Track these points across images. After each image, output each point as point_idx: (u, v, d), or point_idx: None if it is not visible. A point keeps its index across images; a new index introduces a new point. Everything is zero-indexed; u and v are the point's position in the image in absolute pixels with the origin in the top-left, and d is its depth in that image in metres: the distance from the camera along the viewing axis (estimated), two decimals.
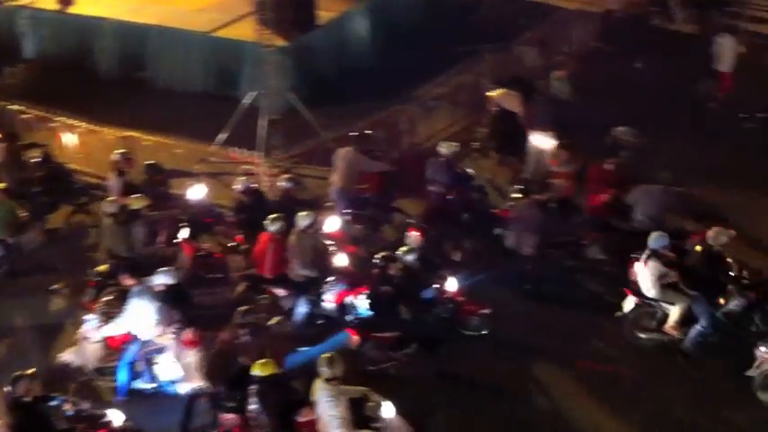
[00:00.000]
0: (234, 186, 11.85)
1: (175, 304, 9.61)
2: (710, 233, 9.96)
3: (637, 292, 10.08)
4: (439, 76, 15.16)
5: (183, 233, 11.23)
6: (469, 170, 12.75)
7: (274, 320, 9.75)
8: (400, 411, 8.48)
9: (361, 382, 8.69)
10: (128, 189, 11.60)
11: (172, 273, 9.74)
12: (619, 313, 10.30)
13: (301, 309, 10.31)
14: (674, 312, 9.90)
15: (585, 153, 12.35)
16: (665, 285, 9.87)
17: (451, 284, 10.15)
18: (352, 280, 10.43)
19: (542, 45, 15.44)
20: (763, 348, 9.24)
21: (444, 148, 12.27)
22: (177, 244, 11.20)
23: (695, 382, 9.69)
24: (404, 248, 10.03)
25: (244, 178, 11.91)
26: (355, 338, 9.71)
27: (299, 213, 10.43)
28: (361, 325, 9.94)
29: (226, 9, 17.55)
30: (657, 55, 16.76)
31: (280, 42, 15.38)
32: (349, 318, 10.21)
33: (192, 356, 9.38)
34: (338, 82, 16.77)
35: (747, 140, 14.24)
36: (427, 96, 14.91)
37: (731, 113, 14.72)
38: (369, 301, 9.99)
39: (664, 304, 9.97)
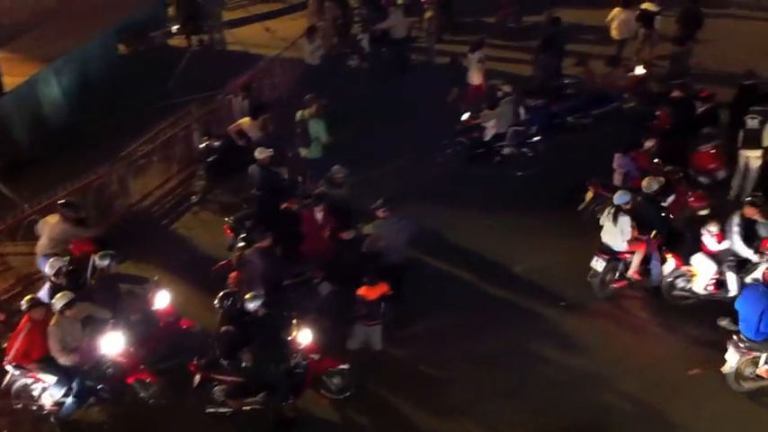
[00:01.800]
0: (46, 270, 10.53)
1: None
2: (644, 183, 11.64)
3: (607, 251, 11.37)
4: (147, 131, 14.63)
5: None
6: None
7: None
8: None
9: None
10: None
11: None
12: (590, 274, 11.50)
13: (74, 397, 9.51)
14: (636, 258, 11.36)
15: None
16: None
17: (304, 336, 9.68)
18: (128, 362, 9.74)
19: (248, 91, 15.52)
20: (735, 338, 9.83)
21: (258, 153, 12.62)
22: None
23: None
24: (249, 295, 9.63)
25: (53, 259, 10.57)
26: (197, 378, 9.56)
27: (58, 294, 9.57)
28: (205, 365, 9.56)
29: None
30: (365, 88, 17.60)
31: None
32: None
33: None
34: (37, 148, 15.69)
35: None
36: (136, 154, 14.31)
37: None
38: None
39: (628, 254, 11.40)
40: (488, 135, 14.96)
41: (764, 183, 13.03)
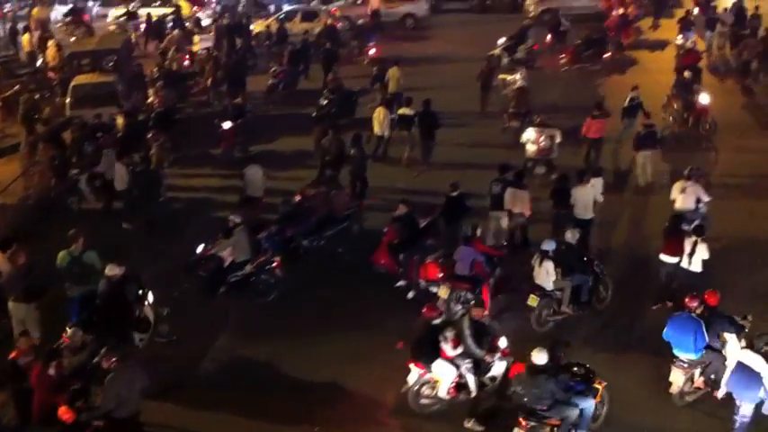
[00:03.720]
0: None
1: None
2: (568, 234, 13.88)
3: (539, 289, 13.37)
4: None
5: None
6: None
7: None
8: None
9: None
10: None
11: None
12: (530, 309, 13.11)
13: None
14: (566, 295, 13.46)
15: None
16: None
17: None
18: None
19: None
20: (678, 362, 11.57)
21: (108, 270, 12.62)
22: None
23: None
24: None
25: None
26: None
27: None
28: None
29: None
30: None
31: None
32: None
33: None
34: None
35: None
36: None
37: None
38: None
39: (557, 292, 13.41)
40: (226, 264, 14.78)
41: (512, 238, 15.87)
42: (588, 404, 10.72)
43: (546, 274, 13.30)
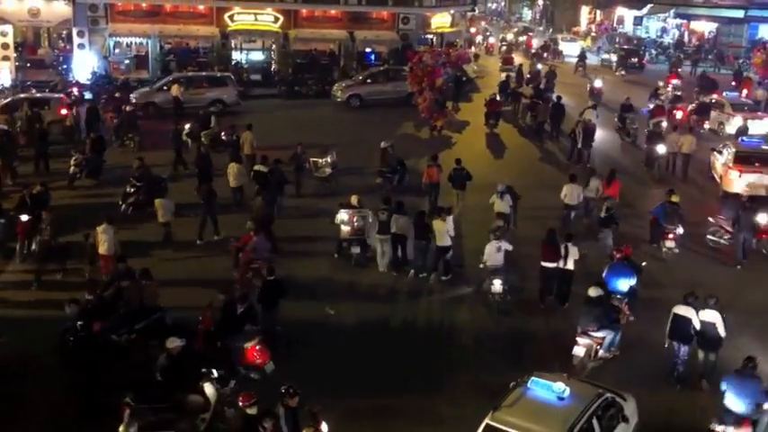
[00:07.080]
0: None
1: None
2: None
3: (496, 271, 17.35)
4: None
5: None
6: None
7: None
8: None
9: None
10: None
11: None
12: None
13: None
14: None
15: None
16: None
17: None
18: None
19: None
20: (620, 297, 16.29)
21: (169, 343, 13.11)
22: None
23: None
24: None
25: None
26: None
27: None
28: None
29: None
30: None
31: None
32: None
33: None
34: None
35: None
36: None
37: None
38: None
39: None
40: None
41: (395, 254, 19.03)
42: (619, 330, 15.22)
43: (501, 251, 17.45)
